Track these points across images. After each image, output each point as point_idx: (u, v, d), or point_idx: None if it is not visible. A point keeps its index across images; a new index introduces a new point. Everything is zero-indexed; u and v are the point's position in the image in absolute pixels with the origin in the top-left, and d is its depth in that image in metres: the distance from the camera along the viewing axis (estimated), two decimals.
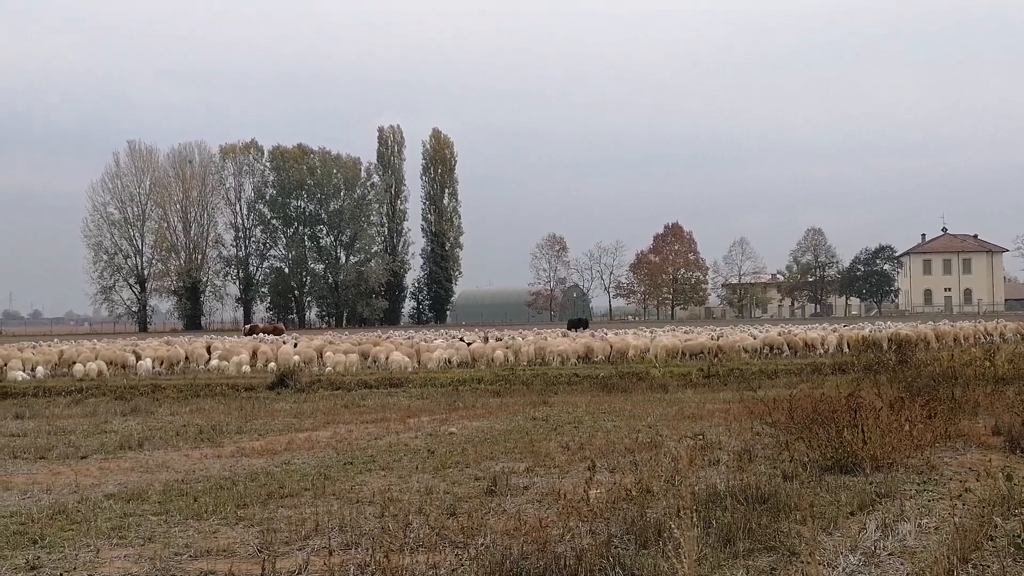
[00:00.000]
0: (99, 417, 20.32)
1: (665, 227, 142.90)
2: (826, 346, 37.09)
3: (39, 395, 25.36)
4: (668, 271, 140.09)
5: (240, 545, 8.83)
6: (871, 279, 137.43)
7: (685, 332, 44.90)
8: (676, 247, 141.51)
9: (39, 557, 8.45)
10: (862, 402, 12.71)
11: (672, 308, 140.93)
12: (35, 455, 15.00)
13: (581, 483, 10.49)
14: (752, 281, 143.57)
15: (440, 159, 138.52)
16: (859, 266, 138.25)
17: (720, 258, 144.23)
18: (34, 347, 40.93)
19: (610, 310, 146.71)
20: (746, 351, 35.04)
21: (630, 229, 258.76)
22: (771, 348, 36.79)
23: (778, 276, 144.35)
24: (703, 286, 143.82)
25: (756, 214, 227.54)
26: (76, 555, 8.56)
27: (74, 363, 34.19)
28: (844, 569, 7.60)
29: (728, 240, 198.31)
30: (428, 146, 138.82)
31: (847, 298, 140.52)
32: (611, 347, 35.76)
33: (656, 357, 34.11)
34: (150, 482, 12.34)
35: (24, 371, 32.04)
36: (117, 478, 12.79)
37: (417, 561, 7.94)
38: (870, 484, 10.61)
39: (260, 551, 8.52)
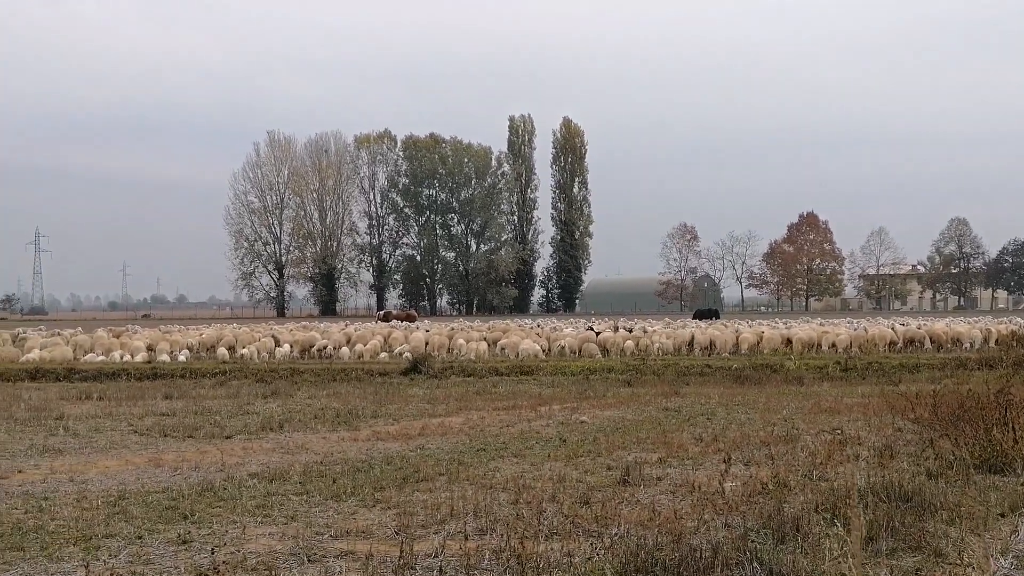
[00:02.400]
0: (242, 399, 21.03)
1: (800, 216, 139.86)
2: (971, 340, 35.63)
3: (186, 377, 26.38)
4: (803, 261, 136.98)
5: (378, 527, 9.02)
6: (1020, 271, 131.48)
7: (821, 324, 43.82)
8: (811, 237, 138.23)
9: (189, 532, 8.80)
10: (1012, 399, 12.17)
11: (806, 299, 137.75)
12: (183, 434, 15.63)
13: (716, 475, 10.37)
14: (891, 272, 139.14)
15: (570, 148, 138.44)
16: (1007, 257, 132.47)
17: (857, 248, 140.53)
18: (180, 331, 42.60)
19: (742, 300, 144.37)
20: (887, 344, 33.97)
21: (763, 218, 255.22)
22: (912, 341, 35.59)
23: (919, 267, 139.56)
24: (839, 277, 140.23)
25: (895, 204, 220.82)
26: (224, 531, 8.88)
27: (215, 346, 35.50)
28: (995, 573, 7.31)
29: (865, 230, 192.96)
30: (558, 135, 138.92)
31: (993, 291, 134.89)
32: (738, 337, 35.15)
33: (791, 349, 33.39)
34: (291, 463, 12.71)
35: (170, 354, 33.43)
36: (260, 458, 13.21)
37: (551, 549, 7.97)
38: (1022, 485, 10.17)
39: (397, 533, 8.69)
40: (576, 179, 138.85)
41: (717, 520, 8.76)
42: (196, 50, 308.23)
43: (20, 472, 12.14)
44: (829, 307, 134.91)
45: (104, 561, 7.81)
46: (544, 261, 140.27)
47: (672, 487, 10.73)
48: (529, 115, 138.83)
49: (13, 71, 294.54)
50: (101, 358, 31.56)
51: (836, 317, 59.40)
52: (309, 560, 7.86)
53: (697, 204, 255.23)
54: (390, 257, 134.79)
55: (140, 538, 8.61)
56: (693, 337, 35.70)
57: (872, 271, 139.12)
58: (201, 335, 39.40)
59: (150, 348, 34.50)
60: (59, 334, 40.13)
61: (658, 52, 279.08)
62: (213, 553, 7.73)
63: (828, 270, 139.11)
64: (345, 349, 34.50)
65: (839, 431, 14.01)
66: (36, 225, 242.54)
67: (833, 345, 34.33)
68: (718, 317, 65.60)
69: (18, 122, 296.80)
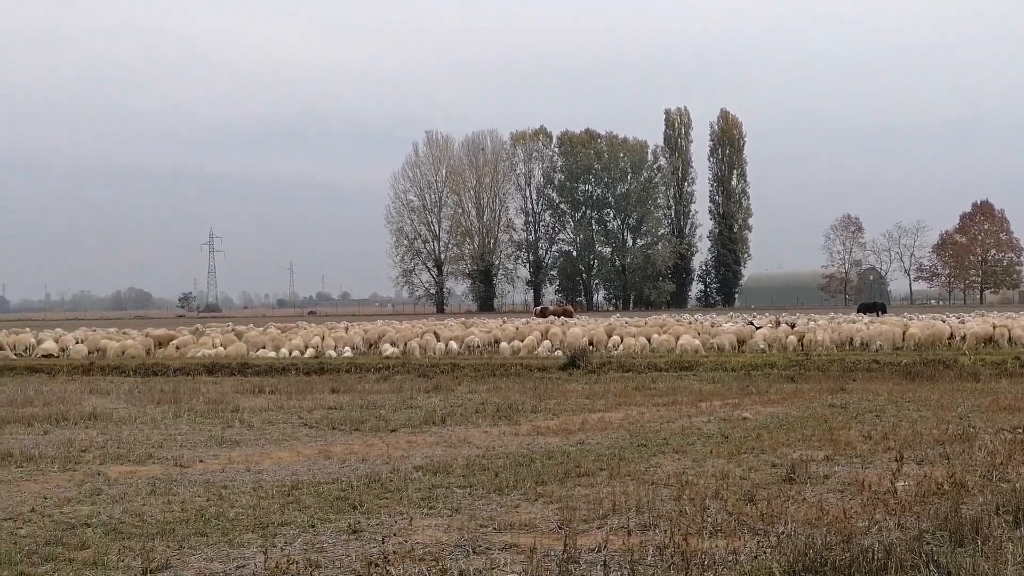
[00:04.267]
0: (405, 393, 21.51)
1: (973, 205, 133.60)
2: None
3: (351, 371, 27.14)
4: (976, 252, 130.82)
5: (541, 520, 9.09)
6: None
7: (997, 317, 41.72)
8: (986, 226, 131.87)
9: (359, 522, 9.07)
10: None
11: (981, 292, 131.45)
12: (350, 427, 16.11)
13: (887, 474, 10.03)
14: None
15: (728, 140, 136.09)
16: None
17: None
18: (346, 328, 43.91)
19: (910, 294, 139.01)
20: None
21: (932, 208, 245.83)
22: None
23: None
24: (1017, 268, 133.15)
25: None
26: (392, 522, 9.12)
27: (376, 343, 36.46)
28: None
29: None
30: (716, 127, 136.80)
31: None
32: (905, 332, 33.80)
33: (965, 344, 31.93)
34: (454, 456, 12.93)
35: (336, 349, 34.52)
36: (424, 451, 13.50)
37: (716, 546, 7.87)
38: None
39: (560, 527, 8.74)
40: (734, 171, 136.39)
41: (889, 520, 8.47)
42: (357, 55, 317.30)
43: (201, 462, 12.76)
44: (1006, 300, 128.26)
45: (280, 548, 8.14)
46: (702, 255, 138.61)
47: (840, 485, 10.44)
48: (685, 108, 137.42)
49: (187, 82, 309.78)
50: (272, 353, 32.84)
51: (1014, 310, 56.42)
52: (474, 552, 7.99)
53: (861, 194, 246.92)
54: (546, 253, 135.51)
55: (313, 527, 8.93)
56: (858, 332, 34.54)
57: None
58: (364, 331, 40.50)
59: (312, 346, 35.63)
60: (233, 330, 41.93)
61: (816, 40, 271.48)
62: (384, 543, 7.94)
63: (1004, 261, 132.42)
64: (504, 344, 34.86)
65: (1020, 430, 13.34)
66: (210, 227, 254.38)
67: (1011, 340, 32.63)
68: (885, 311, 63.23)
69: (193, 130, 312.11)
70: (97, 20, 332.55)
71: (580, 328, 39.15)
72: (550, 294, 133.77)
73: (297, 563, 7.56)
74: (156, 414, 18.12)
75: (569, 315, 68.79)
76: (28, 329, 45.39)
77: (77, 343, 36.43)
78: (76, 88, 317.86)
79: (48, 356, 34.12)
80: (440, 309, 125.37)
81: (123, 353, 33.84)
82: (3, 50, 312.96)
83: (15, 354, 35.58)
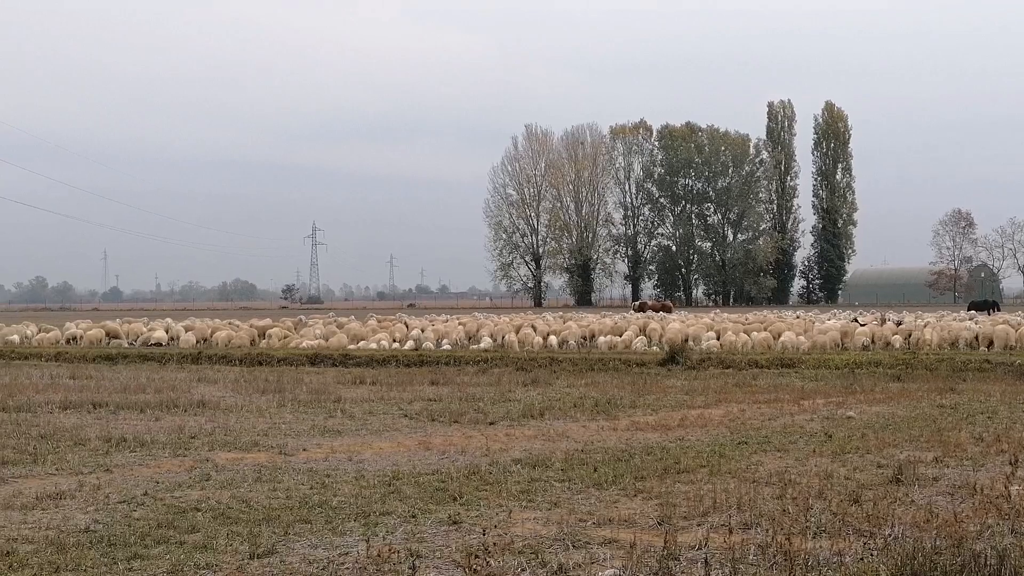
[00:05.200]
0: (503, 386, 21.60)
1: None
2: None
3: (450, 364, 27.39)
4: None
5: (640, 516, 9.05)
6: None
7: None
8: None
9: (459, 513, 9.16)
10: None
11: None
12: (449, 419, 16.26)
13: (1000, 478, 9.72)
14: None
15: (833, 133, 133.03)
16: None
17: None
18: (445, 320, 44.31)
19: None
20: None
21: None
22: None
23: None
24: None
25: None
26: (491, 514, 9.18)
27: (472, 336, 36.65)
28: None
29: None
30: (820, 120, 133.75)
31: None
32: (1019, 330, 32.60)
33: None
34: (552, 450, 12.95)
35: (435, 341, 34.85)
36: (522, 444, 13.55)
37: (820, 547, 7.73)
38: None
39: (660, 523, 8.69)
40: (839, 165, 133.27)
41: (1002, 525, 8.23)
42: (457, 49, 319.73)
43: (305, 451, 13.03)
44: None
45: (382, 537, 8.26)
46: (804, 251, 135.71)
47: (950, 488, 10.16)
48: (789, 100, 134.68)
49: (289, 78, 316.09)
50: (373, 345, 33.31)
51: None
52: (573, 546, 7.99)
53: (973, 189, 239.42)
54: (645, 247, 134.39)
55: (414, 517, 9.04)
56: (968, 331, 33.48)
57: None
58: (463, 324, 40.78)
59: (396, 338, 36.00)
60: (335, 322, 42.64)
61: (922, 30, 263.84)
62: (484, 535, 8.00)
63: None
64: (602, 339, 34.75)
65: None
66: (313, 220, 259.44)
67: None
68: (998, 309, 61.13)
69: (295, 125, 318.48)
70: (201, 18, 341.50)
71: (679, 323, 38.78)
72: (648, 289, 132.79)
73: (398, 552, 7.66)
74: (261, 403, 18.56)
75: (668, 310, 68.15)
76: (143, 319, 46.93)
77: (186, 332, 37.49)
78: (183, 84, 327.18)
79: (157, 344, 35.20)
80: (538, 303, 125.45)
81: (229, 343, 34.71)
82: (115, 48, 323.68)
83: (128, 342, 36.80)
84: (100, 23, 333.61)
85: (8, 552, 7.86)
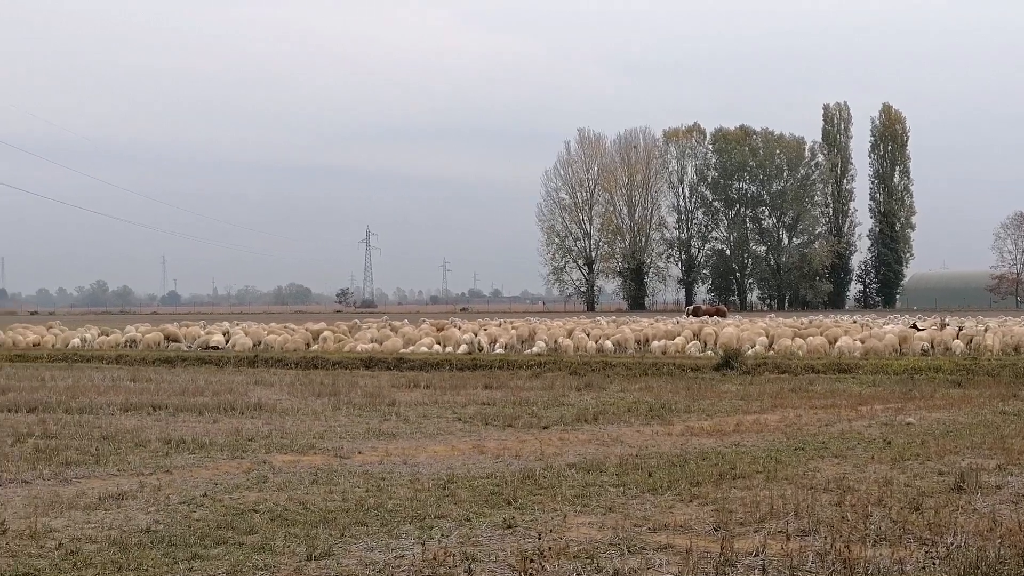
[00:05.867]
0: (556, 390, 21.58)
1: None
2: None
3: (503, 368, 27.42)
4: None
5: (696, 522, 8.98)
6: None
7: None
8: None
9: (513, 517, 9.16)
10: None
11: None
12: (503, 423, 16.27)
13: None
14: None
15: (890, 135, 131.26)
16: None
17: None
18: (498, 324, 44.40)
19: None
20: None
21: None
22: None
23: None
24: None
25: None
26: (546, 518, 9.17)
27: (527, 340, 36.67)
28: None
29: None
30: (877, 122, 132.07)
31: None
32: None
33: None
34: (606, 455, 12.92)
35: (488, 345, 34.93)
36: (576, 449, 13.52)
37: (880, 555, 7.62)
38: None
39: (716, 529, 8.62)
40: (897, 168, 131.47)
41: None
42: (508, 52, 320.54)
43: (360, 453, 13.12)
44: None
45: (438, 540, 8.29)
46: (861, 254, 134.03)
47: (1014, 496, 9.97)
48: (845, 103, 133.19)
49: (342, 81, 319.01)
50: (426, 349, 33.47)
51: None
52: (629, 551, 7.96)
53: None
54: (699, 251, 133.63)
55: (468, 520, 9.06)
56: None
57: None
58: (516, 328, 40.83)
59: (440, 342, 36.11)
60: (389, 325, 42.92)
61: (986, 25, 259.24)
62: (539, 539, 7.99)
63: None
64: (655, 343, 34.59)
65: None
66: (367, 224, 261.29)
67: None
68: None
69: (350, 128, 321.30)
70: (255, 21, 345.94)
71: (734, 328, 38.50)
72: (702, 293, 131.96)
73: (454, 556, 7.69)
74: (317, 406, 18.72)
75: (722, 315, 67.76)
76: (200, 322, 47.64)
77: (243, 336, 37.96)
78: (241, 89, 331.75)
79: (214, 348, 35.67)
80: (590, 307, 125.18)
81: (285, 346, 35.07)
82: (171, 53, 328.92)
83: (186, 346, 37.35)
84: (155, 28, 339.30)
85: (73, 551, 8.01)
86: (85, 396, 20.11)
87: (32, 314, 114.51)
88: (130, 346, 37.25)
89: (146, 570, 7.51)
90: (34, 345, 38.36)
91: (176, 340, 38.66)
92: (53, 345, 37.96)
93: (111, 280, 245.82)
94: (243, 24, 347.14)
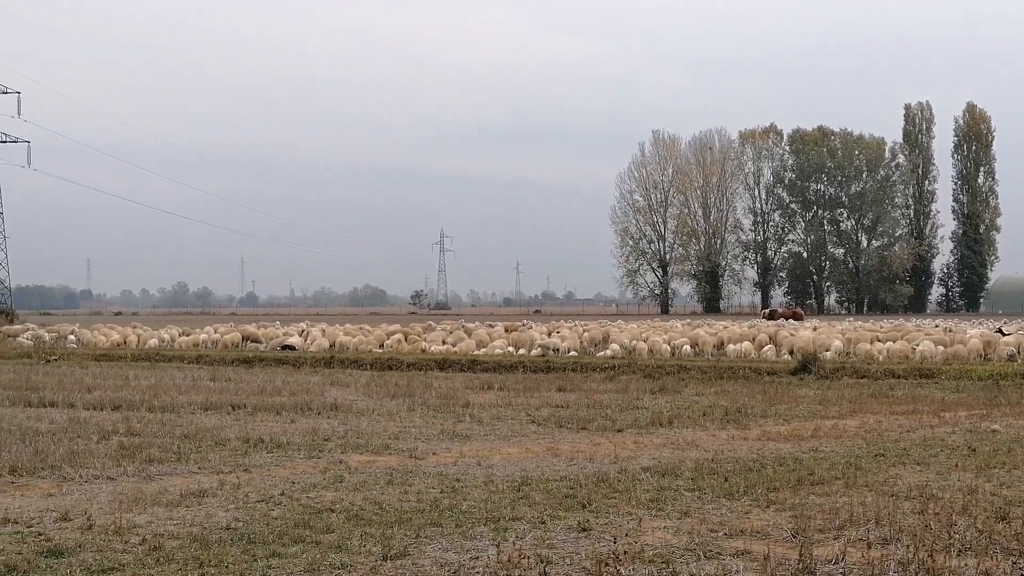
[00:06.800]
0: (630, 394, 21.46)
1: None
2: None
3: (577, 371, 27.37)
4: None
5: (773, 528, 8.86)
6: None
7: None
8: None
9: (588, 520, 9.13)
10: None
11: None
12: (577, 426, 16.23)
13: None
14: None
15: (975, 135, 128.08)
16: None
17: None
18: (572, 327, 44.34)
19: None
20: None
21: None
22: None
23: None
24: None
25: None
26: (621, 522, 9.12)
27: (599, 342, 36.56)
28: None
29: None
30: (961, 122, 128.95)
31: None
32: None
33: None
34: (681, 459, 12.81)
35: (561, 348, 34.89)
36: (651, 452, 13.43)
37: (965, 565, 7.44)
38: None
39: (794, 536, 8.49)
40: (981, 168, 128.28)
41: None
42: (583, 53, 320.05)
43: (434, 454, 13.19)
44: None
45: (512, 542, 8.29)
46: (943, 257, 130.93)
47: None
48: (927, 102, 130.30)
49: (417, 85, 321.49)
50: (500, 351, 33.55)
51: None
52: (705, 557, 7.88)
53: None
54: (775, 254, 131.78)
55: (543, 523, 9.05)
56: None
57: None
58: (589, 331, 40.72)
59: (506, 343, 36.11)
60: (462, 327, 43.11)
61: None
62: (615, 542, 7.95)
63: None
64: (731, 347, 34.23)
65: None
66: (441, 227, 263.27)
67: None
68: None
69: (423, 131, 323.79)
70: (331, 27, 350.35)
71: (811, 331, 37.92)
72: (779, 296, 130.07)
73: (528, 558, 7.69)
74: (391, 407, 18.88)
75: (799, 318, 66.84)
76: (277, 323, 48.41)
77: (319, 337, 38.45)
78: (314, 93, 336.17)
79: (289, 347, 36.16)
80: (664, 310, 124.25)
81: (360, 348, 35.43)
82: (249, 59, 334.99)
83: (265, 346, 37.95)
84: (237, 36, 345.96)
85: (155, 547, 8.19)
86: (167, 395, 20.55)
87: (116, 314, 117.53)
88: (209, 346, 37.97)
89: (226, 567, 7.63)
90: (118, 345, 39.35)
91: (256, 340, 39.32)
92: (137, 344, 38.88)
93: (191, 281, 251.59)
94: (321, 31, 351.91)
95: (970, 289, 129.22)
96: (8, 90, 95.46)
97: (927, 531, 8.41)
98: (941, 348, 30.50)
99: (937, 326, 44.27)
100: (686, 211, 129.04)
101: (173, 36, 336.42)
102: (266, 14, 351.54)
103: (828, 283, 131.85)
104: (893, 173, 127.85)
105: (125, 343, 39.79)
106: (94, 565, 7.68)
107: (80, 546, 8.22)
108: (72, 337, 41.23)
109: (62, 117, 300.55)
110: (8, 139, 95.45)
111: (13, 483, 11.12)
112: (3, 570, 7.55)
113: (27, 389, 21.74)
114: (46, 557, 7.89)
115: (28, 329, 44.17)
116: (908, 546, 7.86)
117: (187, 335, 41.12)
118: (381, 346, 36.43)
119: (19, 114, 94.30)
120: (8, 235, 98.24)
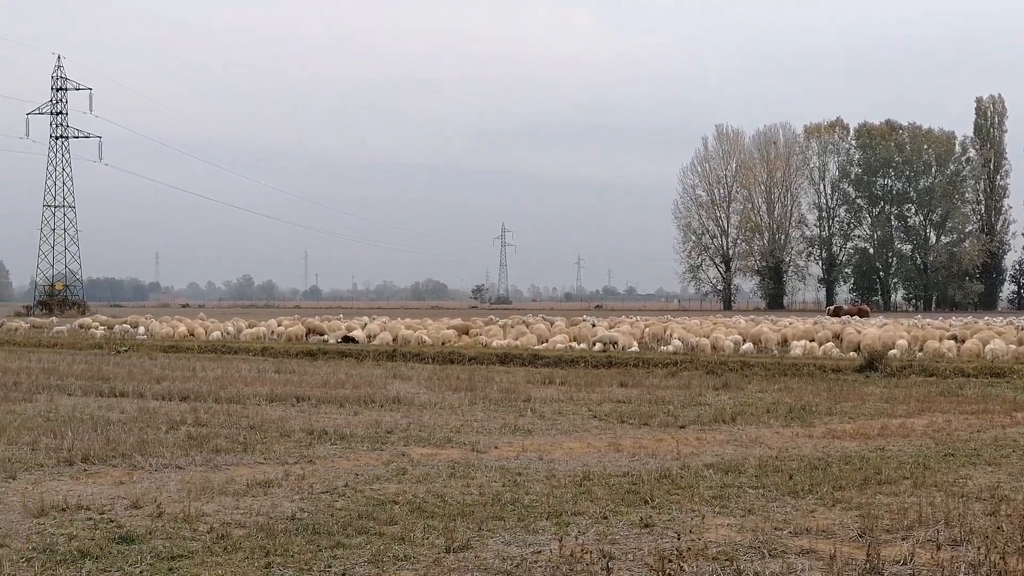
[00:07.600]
0: (693, 390, 21.30)
1: None
2: None
3: (639, 366, 27.23)
4: None
5: (839, 527, 8.74)
6: None
7: None
8: None
9: (650, 516, 9.09)
10: None
11: None
12: (639, 421, 16.16)
13: None
14: None
15: None
16: None
17: None
18: (633, 322, 44.16)
19: None
20: None
21: None
22: None
23: None
24: None
25: None
26: (684, 519, 9.06)
27: (660, 338, 36.33)
28: None
29: None
30: None
31: None
32: None
33: None
34: (745, 456, 12.70)
35: (621, 343, 34.76)
36: (714, 449, 13.33)
37: None
38: None
39: (861, 536, 8.37)
40: None
41: None
42: (646, 49, 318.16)
43: (496, 448, 13.23)
44: None
45: (575, 537, 8.28)
46: (1016, 253, 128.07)
47: None
48: (1000, 95, 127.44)
49: (478, 81, 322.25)
50: (561, 345, 33.51)
51: None
52: (770, 555, 7.80)
53: None
54: (840, 250, 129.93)
55: (605, 518, 9.03)
56: None
57: None
58: (651, 326, 40.51)
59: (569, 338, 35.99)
60: (524, 322, 43.14)
61: None
62: (678, 539, 7.90)
63: None
64: (796, 343, 33.82)
65: None
66: (502, 221, 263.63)
67: None
68: None
69: (485, 129, 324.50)
70: (396, 27, 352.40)
71: (877, 329, 37.32)
72: (844, 293, 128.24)
73: (591, 553, 7.68)
74: (453, 400, 18.97)
75: (865, 315, 65.86)
76: (340, 316, 48.91)
77: (381, 331, 38.74)
78: (379, 93, 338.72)
79: (353, 341, 36.46)
80: (727, 306, 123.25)
81: (422, 341, 35.63)
82: (316, 58, 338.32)
83: (331, 339, 38.35)
84: (301, 36, 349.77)
85: (223, 535, 8.32)
86: (233, 386, 20.85)
87: (183, 307, 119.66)
88: (273, 339, 38.46)
89: (291, 556, 7.73)
90: (185, 336, 40.05)
91: (321, 333, 39.77)
92: (204, 336, 39.54)
93: (256, 275, 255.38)
94: (388, 31, 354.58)
95: None
96: (80, 87, 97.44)
97: (999, 533, 8.23)
98: (1012, 347, 29.82)
99: (1010, 323, 43.31)
100: (749, 206, 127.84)
101: (245, 35, 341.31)
102: (332, 16, 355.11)
103: (895, 280, 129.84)
104: (963, 167, 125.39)
105: (192, 335, 40.49)
106: (164, 552, 7.83)
107: (150, 533, 8.39)
108: (141, 329, 42.09)
109: (133, 114, 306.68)
110: (81, 135, 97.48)
111: (86, 471, 11.39)
112: (76, 555, 7.73)
113: (99, 379, 22.26)
114: (117, 543, 8.06)
115: (97, 322, 45.17)
116: (979, 548, 7.70)
117: (252, 327, 41.70)
118: (443, 340, 36.61)
119: (91, 110, 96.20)
120: (80, 229, 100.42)
